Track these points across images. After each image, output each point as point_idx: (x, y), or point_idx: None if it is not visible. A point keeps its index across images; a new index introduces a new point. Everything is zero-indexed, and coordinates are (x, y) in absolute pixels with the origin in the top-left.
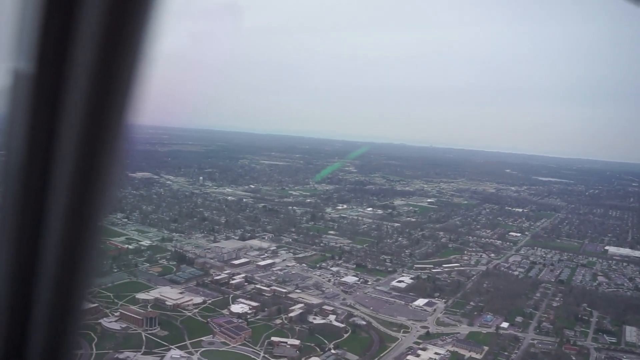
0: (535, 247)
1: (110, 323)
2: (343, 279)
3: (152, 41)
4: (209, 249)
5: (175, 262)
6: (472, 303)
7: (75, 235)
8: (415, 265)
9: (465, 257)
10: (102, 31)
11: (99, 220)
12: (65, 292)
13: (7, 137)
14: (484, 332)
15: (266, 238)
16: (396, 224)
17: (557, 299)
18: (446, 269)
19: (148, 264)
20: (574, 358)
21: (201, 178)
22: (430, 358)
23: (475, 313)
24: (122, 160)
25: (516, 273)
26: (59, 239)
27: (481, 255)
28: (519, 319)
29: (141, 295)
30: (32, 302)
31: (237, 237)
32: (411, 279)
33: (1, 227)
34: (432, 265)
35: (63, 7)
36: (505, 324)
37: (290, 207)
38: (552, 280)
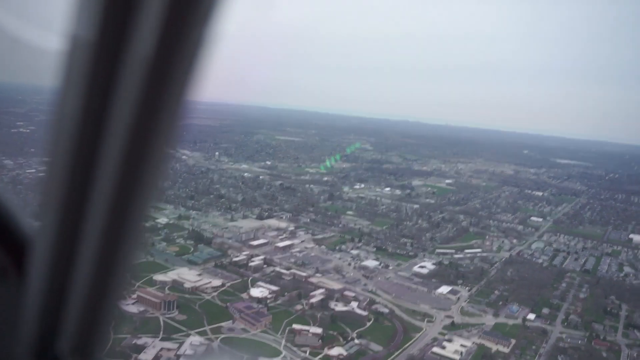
0: (558, 234)
1: (128, 306)
2: (364, 263)
3: (217, 20)
4: (226, 228)
5: (192, 242)
6: (496, 292)
7: (117, 227)
8: (437, 250)
9: (487, 243)
10: (167, 5)
11: (143, 212)
12: (101, 286)
13: (59, 106)
14: (510, 323)
15: (284, 218)
16: (415, 206)
17: (583, 289)
18: (468, 255)
19: (165, 243)
20: (605, 355)
21: (217, 153)
22: (456, 350)
23: (500, 303)
24: (174, 145)
25: (540, 261)
26: (100, 229)
27: (503, 241)
28: (545, 310)
29: (159, 277)
30: (67, 297)
31: (254, 216)
32: (433, 264)
33: (43, 208)
34: (453, 250)
35: None
36: (531, 316)
37: (308, 186)
38: (578, 269)
